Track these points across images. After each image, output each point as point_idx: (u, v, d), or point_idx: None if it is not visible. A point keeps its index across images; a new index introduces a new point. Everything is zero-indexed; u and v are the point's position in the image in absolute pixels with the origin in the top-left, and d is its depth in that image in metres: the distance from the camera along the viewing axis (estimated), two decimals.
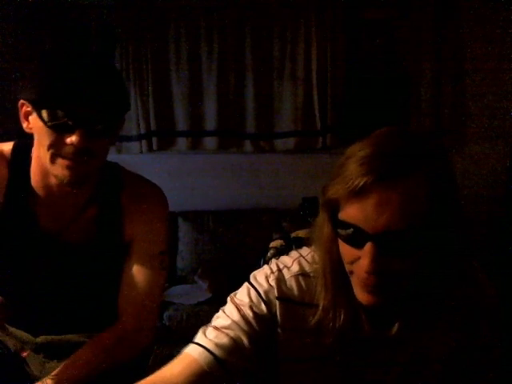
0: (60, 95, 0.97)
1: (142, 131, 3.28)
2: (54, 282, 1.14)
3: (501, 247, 3.07)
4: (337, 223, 0.80)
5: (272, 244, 1.08)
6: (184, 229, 3.23)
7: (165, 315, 2.71)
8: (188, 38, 3.22)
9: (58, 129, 0.99)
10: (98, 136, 1.01)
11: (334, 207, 0.80)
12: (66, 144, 0.99)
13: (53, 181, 1.08)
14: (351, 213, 0.76)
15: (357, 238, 0.77)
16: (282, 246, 1.05)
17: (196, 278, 3.03)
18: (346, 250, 0.80)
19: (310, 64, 3.24)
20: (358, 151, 0.77)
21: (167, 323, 2.69)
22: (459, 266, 0.87)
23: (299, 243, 1.00)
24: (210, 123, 3.31)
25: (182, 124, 3.31)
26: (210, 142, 3.33)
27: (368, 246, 0.75)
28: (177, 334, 2.63)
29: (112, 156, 1.13)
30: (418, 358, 0.89)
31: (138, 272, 1.15)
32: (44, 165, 1.05)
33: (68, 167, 1.01)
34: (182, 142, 3.34)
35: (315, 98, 3.26)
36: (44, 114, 0.98)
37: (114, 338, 1.10)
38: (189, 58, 3.25)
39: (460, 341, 0.89)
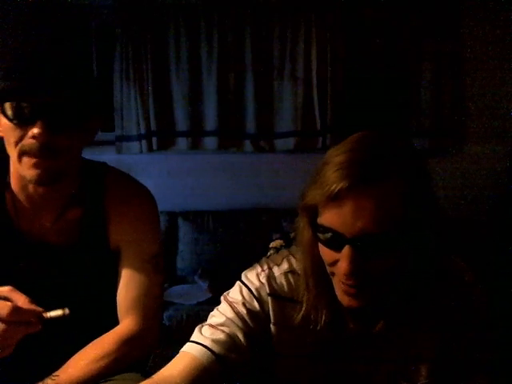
0: (19, 85, 0.97)
1: (142, 131, 3.28)
2: (40, 286, 1.11)
3: (501, 247, 3.07)
4: (316, 227, 0.82)
5: (272, 244, 1.09)
6: (184, 229, 3.23)
7: (165, 315, 2.71)
8: (188, 38, 3.23)
9: (21, 122, 0.98)
10: (62, 130, 1.00)
11: (312, 212, 0.82)
12: (30, 138, 0.98)
13: (27, 182, 1.07)
14: (329, 218, 0.78)
15: (335, 241, 0.79)
16: (281, 246, 1.06)
17: (196, 278, 3.03)
18: (325, 253, 0.83)
19: (310, 64, 3.24)
20: (334, 157, 0.79)
21: (167, 323, 2.69)
22: (440, 265, 0.89)
23: None
24: (210, 123, 3.31)
25: (181, 124, 3.31)
26: (209, 141, 3.33)
27: (346, 249, 0.77)
28: (177, 333, 2.63)
29: (112, 156, 1.13)
30: (405, 356, 0.91)
31: (132, 278, 1.14)
32: (15, 166, 1.04)
33: (34, 165, 0.99)
34: (182, 142, 3.34)
35: (315, 98, 3.26)
36: (7, 107, 0.98)
37: (117, 341, 1.08)
38: (189, 58, 3.25)
39: (448, 340, 0.91)
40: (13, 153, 1.01)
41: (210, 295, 2.81)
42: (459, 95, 3.27)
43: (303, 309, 0.90)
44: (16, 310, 0.86)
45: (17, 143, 1.00)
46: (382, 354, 0.91)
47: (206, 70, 3.26)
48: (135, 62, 3.22)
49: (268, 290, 0.93)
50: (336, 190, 0.75)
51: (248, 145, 3.34)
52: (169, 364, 0.89)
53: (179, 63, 3.26)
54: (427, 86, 3.25)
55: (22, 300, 0.88)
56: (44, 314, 0.89)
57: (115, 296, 1.15)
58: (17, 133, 0.99)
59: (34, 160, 0.99)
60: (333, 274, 0.83)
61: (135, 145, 3.30)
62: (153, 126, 3.29)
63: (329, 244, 0.81)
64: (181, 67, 3.26)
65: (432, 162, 2.82)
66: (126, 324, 1.12)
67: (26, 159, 1.00)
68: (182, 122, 3.31)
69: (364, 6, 3.25)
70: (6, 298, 0.88)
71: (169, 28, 3.22)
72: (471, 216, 3.09)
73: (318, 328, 0.89)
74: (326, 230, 0.79)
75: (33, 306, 0.88)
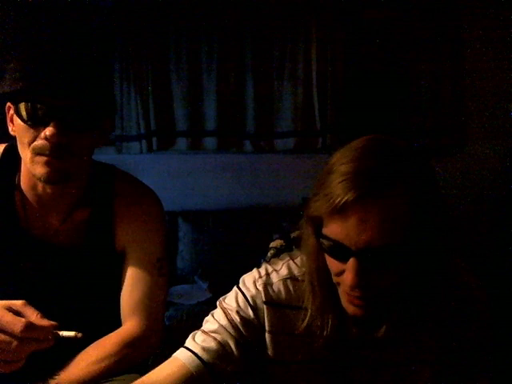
0: (34, 86, 0.97)
1: (142, 131, 3.28)
2: (45, 286, 1.12)
3: (501, 247, 3.07)
4: (321, 237, 0.81)
5: (272, 244, 1.09)
6: (184, 229, 3.23)
7: (165, 315, 2.71)
8: (188, 38, 3.23)
9: (35, 122, 0.98)
10: (75, 131, 1.00)
11: (317, 222, 0.81)
12: (42, 139, 0.98)
13: (37, 182, 1.07)
14: (334, 229, 0.77)
15: (340, 253, 0.78)
16: (282, 246, 1.05)
17: (196, 278, 3.03)
18: (331, 262, 0.82)
19: (310, 64, 3.24)
20: (338, 166, 0.77)
21: (167, 323, 2.69)
22: (445, 271, 0.88)
23: (299, 243, 1.01)
24: (210, 123, 3.31)
25: (181, 124, 3.31)
26: (210, 142, 3.33)
27: (351, 261, 0.76)
28: (177, 333, 2.62)
29: (112, 156, 1.14)
30: (407, 359, 0.90)
31: (136, 280, 1.14)
32: (27, 165, 1.04)
33: (46, 163, 1.00)
34: (181, 142, 3.34)
35: (315, 97, 3.26)
36: (22, 108, 0.98)
37: (119, 343, 1.08)
38: (189, 58, 3.25)
39: (449, 343, 0.90)
40: (25, 152, 1.02)
41: (210, 295, 2.81)
42: (459, 95, 3.27)
43: (308, 315, 0.88)
44: (29, 326, 0.85)
45: (30, 143, 1.00)
46: (385, 357, 0.90)
47: (206, 70, 3.26)
48: (135, 61, 3.22)
49: (264, 298, 0.91)
50: (341, 202, 0.73)
51: (248, 145, 3.34)
52: (158, 367, 0.89)
53: (179, 63, 3.25)
54: (427, 85, 3.25)
55: (34, 316, 0.87)
56: (57, 333, 0.88)
57: (119, 298, 1.15)
58: (30, 133, 1.00)
59: (45, 158, 1.00)
60: (338, 284, 0.82)
61: (135, 145, 3.30)
62: (153, 126, 3.29)
63: (334, 254, 0.80)
64: (181, 67, 3.26)
65: (432, 161, 2.82)
66: (128, 326, 1.12)
67: (37, 158, 1.00)
68: (182, 122, 3.31)
69: (364, 6, 3.25)
70: (18, 313, 0.87)
71: (169, 28, 3.22)
72: (471, 216, 3.09)
73: (321, 334, 0.88)
74: (330, 241, 0.78)
75: (45, 322, 0.87)
